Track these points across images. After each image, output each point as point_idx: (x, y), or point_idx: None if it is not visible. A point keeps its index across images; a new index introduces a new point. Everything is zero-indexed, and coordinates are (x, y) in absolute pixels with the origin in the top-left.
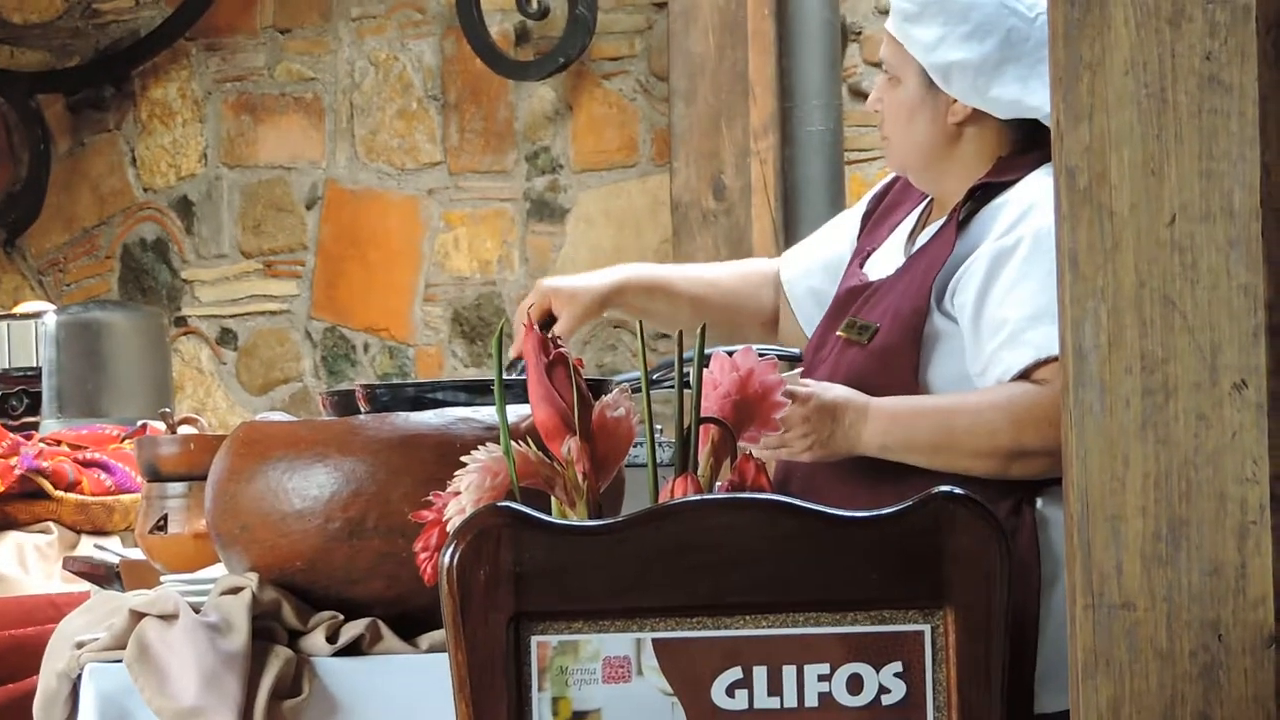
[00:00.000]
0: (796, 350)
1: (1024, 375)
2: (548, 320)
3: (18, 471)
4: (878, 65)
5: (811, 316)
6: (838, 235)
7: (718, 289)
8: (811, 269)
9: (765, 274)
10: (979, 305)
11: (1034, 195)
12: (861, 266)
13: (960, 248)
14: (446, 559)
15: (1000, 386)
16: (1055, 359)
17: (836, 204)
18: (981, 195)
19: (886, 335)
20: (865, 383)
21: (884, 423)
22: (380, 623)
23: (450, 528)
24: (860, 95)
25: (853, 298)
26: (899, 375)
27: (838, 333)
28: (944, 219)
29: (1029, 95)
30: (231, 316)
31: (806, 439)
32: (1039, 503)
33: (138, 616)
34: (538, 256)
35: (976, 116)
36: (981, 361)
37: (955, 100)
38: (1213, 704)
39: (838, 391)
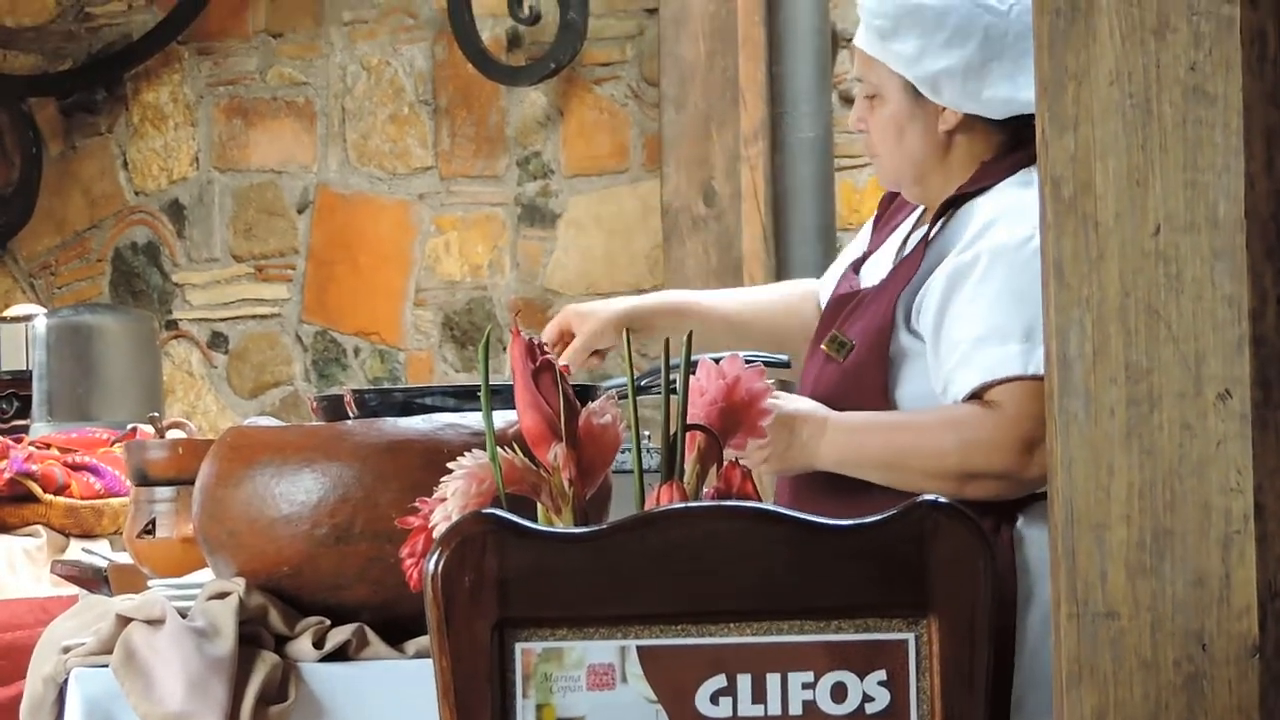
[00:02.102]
0: (784, 356)
1: (976, 395)
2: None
3: (7, 475)
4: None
5: None
6: (860, 241)
7: (754, 307)
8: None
9: (807, 290)
10: (938, 324)
11: (998, 209)
12: (857, 272)
13: (925, 264)
14: (431, 566)
15: (952, 406)
16: (1008, 380)
17: (826, 211)
18: (954, 204)
19: (859, 353)
20: (839, 400)
21: (840, 437)
22: (367, 628)
23: (436, 534)
24: (851, 102)
25: (840, 307)
26: (869, 393)
27: (821, 346)
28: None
29: (1019, 91)
30: (222, 320)
31: (763, 450)
32: (1019, 521)
33: (124, 621)
34: (528, 261)
35: (966, 122)
36: (941, 381)
37: (945, 109)
38: (1197, 714)
39: (799, 404)
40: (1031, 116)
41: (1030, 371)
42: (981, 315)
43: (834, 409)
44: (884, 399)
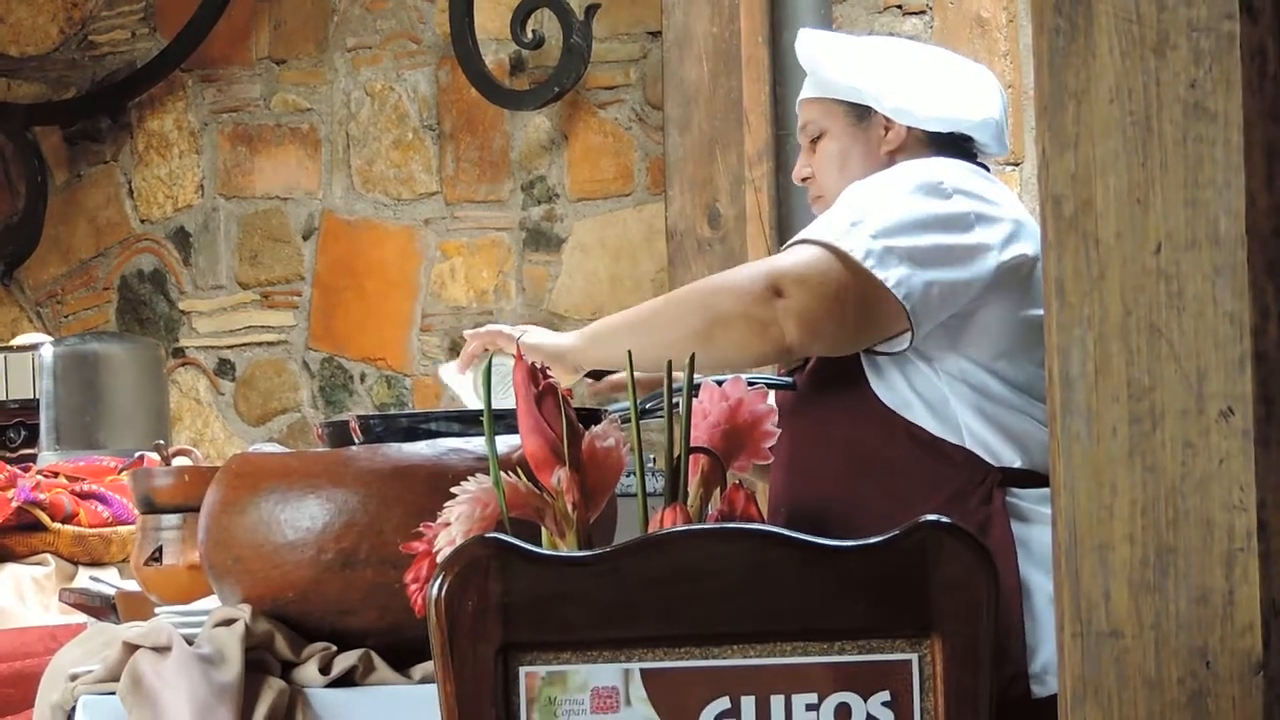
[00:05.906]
0: (789, 379)
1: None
2: None
3: (15, 504)
4: None
5: None
6: None
7: None
8: None
9: None
10: None
11: None
12: None
13: None
14: (434, 590)
15: None
16: (809, 242)
17: None
18: None
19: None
20: (800, 409)
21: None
22: (373, 653)
23: (440, 559)
24: None
25: None
26: (849, 385)
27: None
28: None
29: (954, 109)
30: (229, 347)
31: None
32: (1012, 495)
33: (131, 649)
34: (534, 285)
35: (906, 145)
36: None
37: (888, 130)
38: None
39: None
40: (965, 137)
41: (830, 240)
42: (836, 207)
43: (804, 420)
44: (862, 387)
